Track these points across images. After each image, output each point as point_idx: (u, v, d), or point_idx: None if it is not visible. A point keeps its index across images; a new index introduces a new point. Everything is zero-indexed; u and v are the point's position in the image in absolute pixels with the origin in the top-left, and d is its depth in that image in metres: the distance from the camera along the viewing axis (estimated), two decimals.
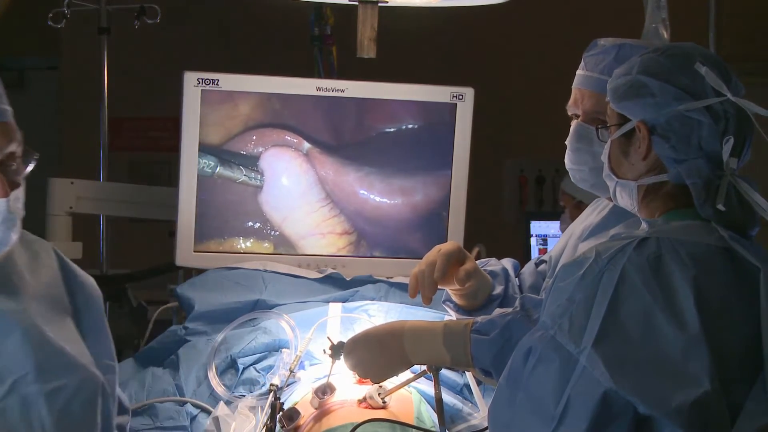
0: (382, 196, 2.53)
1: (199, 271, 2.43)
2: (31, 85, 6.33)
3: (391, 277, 2.41)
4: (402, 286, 2.31)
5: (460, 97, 2.49)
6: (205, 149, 2.41)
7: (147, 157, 5.74)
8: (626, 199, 1.61)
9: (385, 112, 2.50)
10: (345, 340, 1.88)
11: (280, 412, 1.84)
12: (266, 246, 2.49)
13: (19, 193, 1.59)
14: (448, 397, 1.94)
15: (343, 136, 2.50)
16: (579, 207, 3.71)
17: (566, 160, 2.00)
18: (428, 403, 1.92)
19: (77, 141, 5.50)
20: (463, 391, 2.02)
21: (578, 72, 1.98)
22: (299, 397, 1.95)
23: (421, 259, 2.06)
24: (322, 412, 1.84)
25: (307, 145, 2.48)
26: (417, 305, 2.16)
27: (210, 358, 2.09)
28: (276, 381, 1.95)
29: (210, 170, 2.43)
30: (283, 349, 2.08)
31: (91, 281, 1.77)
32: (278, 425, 1.83)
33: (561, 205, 4.01)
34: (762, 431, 1.33)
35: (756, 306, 1.40)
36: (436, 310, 2.16)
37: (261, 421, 1.87)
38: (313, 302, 2.24)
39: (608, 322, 1.37)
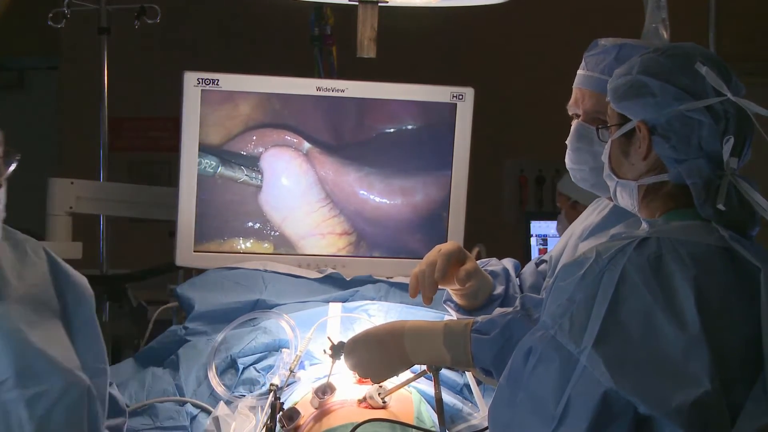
0: (382, 196, 2.53)
1: (199, 271, 2.43)
2: (31, 85, 6.33)
3: (391, 277, 2.41)
4: (402, 286, 2.31)
5: (460, 97, 2.49)
6: (205, 149, 2.41)
7: (147, 157, 5.74)
8: (626, 199, 1.61)
9: (385, 112, 2.50)
10: (345, 340, 1.88)
11: (280, 412, 1.84)
12: (266, 246, 2.49)
13: (0, 195, 1.57)
14: (448, 397, 1.94)
15: (343, 136, 2.50)
16: (575, 207, 3.72)
17: (567, 160, 2.00)
18: (428, 403, 1.92)
19: (77, 141, 5.50)
20: (463, 391, 2.02)
21: (579, 72, 1.98)
22: (299, 397, 1.95)
23: (421, 259, 2.06)
24: (322, 412, 1.84)
25: (307, 145, 2.48)
26: (417, 305, 2.16)
27: (210, 358, 2.09)
28: (276, 381, 1.95)
29: (212, 170, 2.43)
30: (283, 349, 2.08)
31: (83, 282, 1.74)
32: (278, 425, 1.83)
33: (557, 205, 4.01)
34: (762, 431, 1.33)
35: (756, 306, 1.40)
36: (437, 310, 2.16)
37: (261, 421, 1.87)
38: (313, 302, 2.24)
39: (609, 322, 1.37)
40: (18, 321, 1.56)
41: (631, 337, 1.36)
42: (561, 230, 3.96)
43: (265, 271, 2.35)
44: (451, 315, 2.13)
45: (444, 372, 1.95)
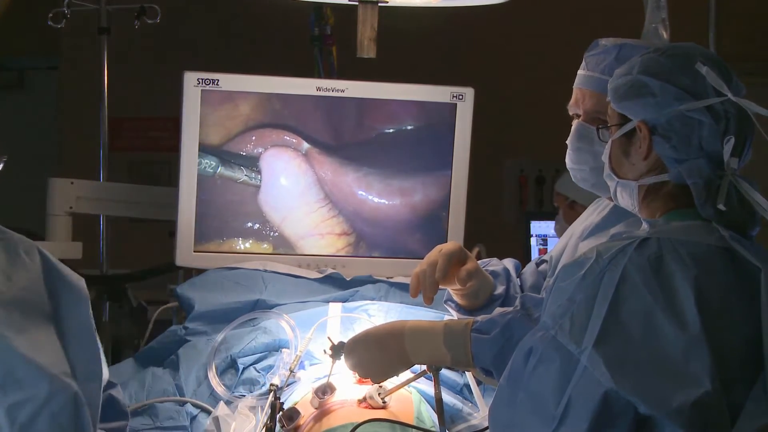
0: (381, 196, 2.53)
1: (199, 271, 2.43)
2: (31, 85, 6.33)
3: (391, 277, 2.41)
4: (402, 286, 2.31)
5: (460, 97, 2.49)
6: (205, 149, 2.41)
7: (147, 157, 5.74)
8: (627, 199, 1.61)
9: (385, 112, 2.50)
10: (345, 340, 1.88)
11: (280, 412, 1.84)
12: (265, 246, 2.49)
13: None
14: (448, 397, 1.94)
15: (342, 137, 2.50)
16: (572, 207, 3.72)
17: (567, 160, 2.00)
18: (428, 403, 1.92)
19: (77, 141, 5.50)
20: (463, 391, 2.02)
21: (579, 72, 1.98)
22: (299, 397, 1.95)
23: (422, 259, 2.06)
24: (322, 412, 1.84)
25: (306, 145, 2.48)
26: (417, 305, 2.16)
27: (210, 358, 2.09)
28: (276, 381, 1.95)
29: (212, 170, 2.43)
30: (283, 349, 2.08)
31: (79, 283, 1.71)
32: (278, 425, 1.83)
33: (555, 205, 4.01)
34: (762, 431, 1.34)
35: (756, 306, 1.40)
36: (436, 310, 2.16)
37: (261, 421, 1.87)
38: (313, 302, 2.24)
39: (609, 322, 1.37)
40: (1, 327, 1.53)
41: (631, 338, 1.36)
42: (559, 230, 3.97)
43: (265, 271, 2.35)
44: (452, 315, 2.13)
45: (444, 372, 1.95)
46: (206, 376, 2.06)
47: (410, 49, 4.98)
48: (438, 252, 2.03)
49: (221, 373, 2.06)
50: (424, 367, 1.86)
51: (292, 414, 1.83)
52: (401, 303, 2.22)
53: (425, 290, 2.01)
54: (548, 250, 2.40)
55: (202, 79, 2.37)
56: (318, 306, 2.21)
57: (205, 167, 2.42)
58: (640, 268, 1.41)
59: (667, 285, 1.39)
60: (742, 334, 1.40)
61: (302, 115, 2.47)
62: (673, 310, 1.37)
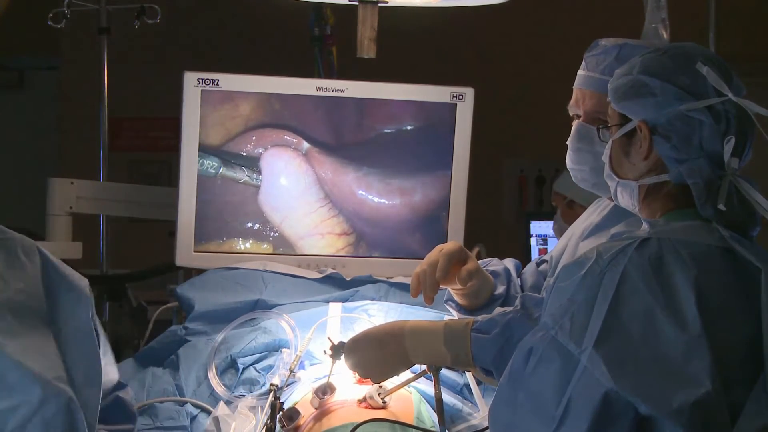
0: (381, 196, 2.53)
1: (199, 271, 2.43)
2: (31, 85, 6.33)
3: (391, 277, 2.41)
4: (402, 286, 2.31)
5: (460, 97, 2.49)
6: (205, 150, 2.41)
7: (147, 157, 5.74)
8: (627, 199, 1.61)
9: (385, 112, 2.50)
10: (345, 340, 1.88)
11: (280, 412, 1.84)
12: (265, 247, 2.49)
13: None
14: (448, 397, 1.94)
15: (342, 136, 2.50)
16: (571, 206, 3.72)
17: (567, 160, 2.00)
18: (428, 403, 1.92)
19: (77, 141, 5.50)
20: (463, 391, 2.02)
21: (579, 72, 1.98)
22: (299, 397, 1.95)
23: (422, 259, 2.07)
24: (322, 412, 1.84)
25: (306, 145, 2.48)
26: (417, 305, 2.16)
27: (210, 358, 2.09)
28: (276, 381, 1.95)
29: (213, 171, 2.43)
30: (283, 349, 2.08)
31: (81, 284, 1.68)
32: (278, 425, 1.83)
33: (553, 204, 4.01)
34: (763, 431, 1.34)
35: (756, 306, 1.40)
36: (436, 310, 2.16)
37: (261, 421, 1.87)
38: (313, 302, 2.24)
39: (609, 322, 1.37)
40: None
41: (631, 338, 1.36)
42: (557, 230, 3.97)
43: (265, 271, 2.35)
44: (452, 315, 2.13)
45: (444, 372, 1.95)
46: (206, 376, 2.06)
47: (410, 49, 4.98)
48: (439, 252, 2.04)
49: (221, 373, 2.06)
50: (424, 367, 1.86)
51: (292, 414, 1.83)
52: (401, 303, 2.22)
53: (426, 290, 2.02)
54: (548, 250, 2.40)
55: (202, 79, 2.37)
56: (318, 306, 2.21)
57: (207, 168, 2.42)
58: (641, 269, 1.41)
59: (668, 285, 1.39)
60: (743, 334, 1.39)
61: (302, 115, 2.47)
62: (673, 310, 1.37)
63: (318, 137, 2.48)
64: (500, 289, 2.12)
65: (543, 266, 2.20)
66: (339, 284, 2.35)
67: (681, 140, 1.50)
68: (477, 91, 2.50)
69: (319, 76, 3.60)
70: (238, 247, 2.48)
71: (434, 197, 2.54)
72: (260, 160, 2.46)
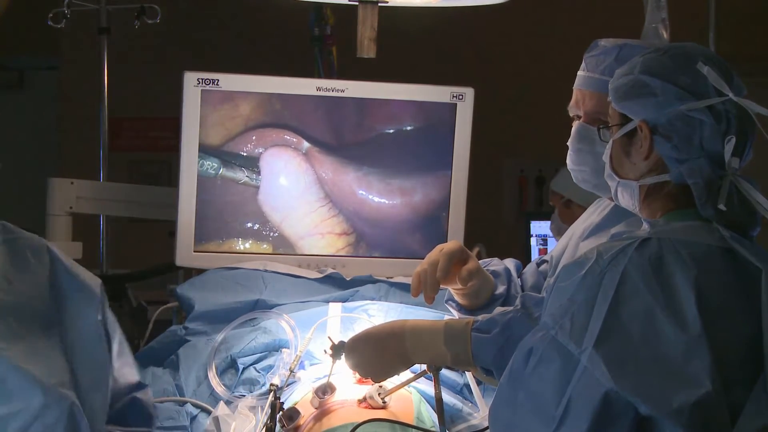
0: (381, 196, 2.53)
1: (199, 271, 2.43)
2: (31, 85, 6.33)
3: (391, 277, 2.41)
4: (402, 286, 2.31)
5: (460, 97, 2.49)
6: (205, 150, 2.41)
7: (147, 157, 5.75)
8: (628, 200, 1.61)
9: (385, 112, 2.50)
10: (345, 339, 1.88)
11: (280, 412, 1.84)
12: (265, 247, 2.49)
13: None
14: (448, 397, 1.94)
15: (342, 136, 2.50)
16: (568, 206, 3.72)
17: (568, 161, 2.00)
18: (428, 403, 1.92)
19: (77, 141, 5.50)
20: (463, 391, 2.02)
21: (579, 73, 1.98)
22: (299, 396, 1.95)
23: (422, 259, 2.07)
24: (322, 412, 1.84)
25: (306, 144, 2.48)
26: (417, 305, 2.16)
27: (210, 358, 2.09)
28: (276, 381, 1.95)
29: (213, 171, 2.43)
30: (283, 349, 2.08)
31: (92, 284, 1.67)
32: (278, 425, 1.83)
33: (550, 204, 4.01)
34: (763, 431, 1.33)
35: (757, 306, 1.40)
36: (436, 310, 2.16)
37: (261, 421, 1.87)
38: (313, 302, 2.24)
39: (609, 322, 1.37)
40: None
41: (631, 338, 1.36)
42: (555, 229, 3.97)
43: (265, 271, 2.35)
44: (452, 314, 2.13)
45: (444, 372, 1.95)
46: (206, 376, 2.06)
47: (410, 49, 4.98)
48: (439, 252, 2.04)
49: (221, 373, 2.06)
50: (424, 367, 1.86)
51: (292, 414, 1.83)
52: (401, 303, 2.22)
53: (426, 290, 2.02)
54: (548, 250, 2.40)
55: (202, 79, 2.37)
56: (318, 306, 2.21)
57: (207, 168, 2.42)
58: (641, 269, 1.40)
59: (668, 285, 1.39)
60: (743, 334, 1.39)
61: (302, 115, 2.47)
62: (673, 310, 1.37)
63: (318, 137, 2.48)
64: (501, 289, 2.12)
65: (543, 266, 2.20)
66: (339, 284, 2.35)
67: (682, 140, 1.50)
68: (477, 91, 2.50)
69: (319, 76, 3.60)
70: (238, 247, 2.48)
71: (434, 197, 2.54)
72: (260, 160, 2.46)
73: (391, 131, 2.52)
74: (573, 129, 1.98)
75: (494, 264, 2.20)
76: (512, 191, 5.78)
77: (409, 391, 1.93)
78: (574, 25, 4.98)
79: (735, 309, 1.41)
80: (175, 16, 4.05)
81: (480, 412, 1.94)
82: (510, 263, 2.22)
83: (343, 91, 2.46)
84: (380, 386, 1.87)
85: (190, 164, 2.40)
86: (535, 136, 5.12)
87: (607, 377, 1.32)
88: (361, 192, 2.52)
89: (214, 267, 2.39)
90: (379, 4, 2.38)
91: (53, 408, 1.48)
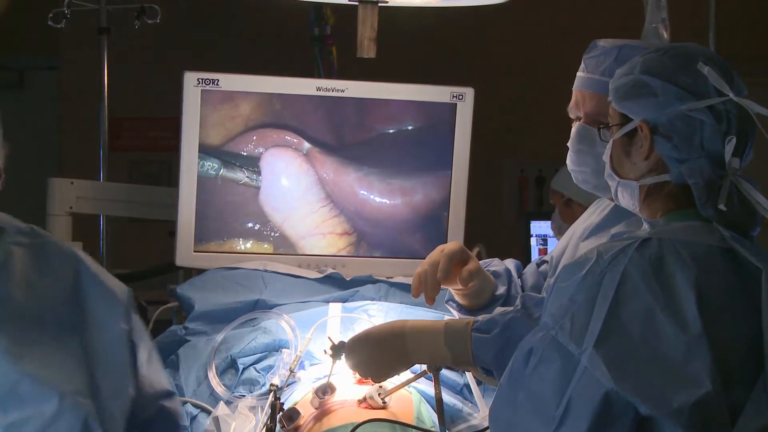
0: (382, 196, 2.53)
1: (199, 271, 2.43)
2: (31, 85, 6.33)
3: (391, 277, 2.41)
4: (402, 286, 2.31)
5: (460, 97, 2.49)
6: (205, 150, 2.41)
7: (147, 157, 5.74)
8: (628, 200, 1.61)
9: (385, 112, 2.50)
10: (345, 340, 1.88)
11: (280, 412, 1.84)
12: (266, 247, 2.49)
13: None
14: (448, 397, 1.94)
15: (343, 137, 2.50)
16: (568, 204, 3.72)
17: (568, 162, 2.00)
18: (428, 403, 1.92)
19: (77, 141, 5.50)
20: (463, 391, 2.02)
21: (578, 74, 1.98)
22: (299, 397, 1.95)
23: (421, 259, 2.07)
24: (322, 412, 1.84)
25: (307, 145, 2.48)
26: (417, 305, 2.16)
27: (210, 358, 2.09)
28: (276, 381, 1.95)
29: (214, 172, 2.43)
30: (283, 349, 2.08)
31: (118, 292, 1.64)
32: (278, 425, 1.83)
33: (551, 202, 4.01)
34: (763, 431, 1.34)
35: (757, 306, 1.40)
36: (436, 310, 2.16)
37: (261, 421, 1.87)
38: (313, 302, 2.24)
39: (610, 322, 1.37)
40: (8, 343, 1.47)
41: (632, 338, 1.36)
42: (555, 228, 3.97)
43: (265, 271, 2.35)
44: (452, 315, 2.13)
45: (444, 372, 1.95)
46: (206, 376, 2.06)
47: (410, 49, 4.98)
48: (440, 252, 2.04)
49: (221, 373, 2.06)
50: (424, 367, 1.86)
51: (292, 414, 1.83)
52: (401, 303, 2.22)
53: (427, 290, 2.02)
54: (548, 250, 2.40)
55: (202, 79, 2.37)
56: (318, 306, 2.21)
57: (207, 169, 2.42)
58: (641, 269, 1.40)
59: (668, 285, 1.39)
60: (743, 335, 1.39)
61: (302, 115, 2.47)
62: (673, 310, 1.37)
63: (318, 137, 2.48)
64: (501, 289, 2.12)
65: (543, 267, 2.20)
66: (339, 284, 2.35)
67: (682, 140, 1.50)
68: (477, 91, 2.50)
69: (319, 76, 3.60)
70: (238, 247, 2.48)
71: (435, 197, 2.54)
72: (261, 160, 2.46)
73: (392, 131, 2.52)
74: (573, 130, 1.98)
75: (494, 264, 2.20)
76: (512, 191, 5.77)
77: (409, 391, 1.93)
78: (574, 25, 4.98)
79: (735, 309, 1.41)
80: (175, 16, 4.05)
81: (480, 412, 1.94)
82: (510, 264, 2.22)
83: (343, 91, 2.46)
84: (380, 386, 1.87)
85: (190, 164, 2.40)
86: (535, 136, 5.12)
87: (607, 377, 1.32)
88: (362, 192, 2.52)
89: (214, 267, 2.39)
90: (379, 4, 2.38)
91: (67, 416, 1.47)
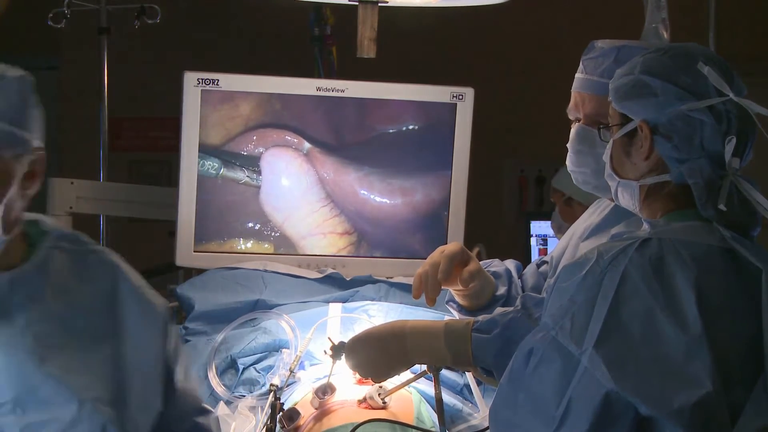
0: (382, 196, 2.53)
1: (199, 271, 2.43)
2: None
3: (391, 278, 2.41)
4: (402, 287, 2.31)
5: (460, 97, 2.49)
6: (205, 150, 2.41)
7: (147, 157, 5.74)
8: (628, 200, 1.61)
9: (385, 112, 2.50)
10: (345, 340, 1.88)
11: (280, 412, 1.84)
12: (266, 247, 2.49)
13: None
14: (448, 397, 1.94)
15: (343, 136, 2.50)
16: (569, 204, 3.71)
17: (568, 163, 1.99)
18: (428, 403, 1.92)
19: (77, 141, 5.50)
20: (463, 391, 2.02)
21: (577, 75, 1.97)
22: (299, 397, 1.95)
23: (422, 259, 2.07)
24: (322, 413, 1.84)
25: (307, 145, 2.48)
26: (417, 305, 2.16)
27: (210, 358, 2.09)
28: (276, 381, 1.95)
29: (214, 171, 2.43)
30: (283, 349, 2.08)
31: (157, 307, 1.63)
32: (278, 425, 1.83)
33: (551, 200, 4.01)
34: (763, 431, 1.34)
35: (757, 306, 1.40)
36: (436, 311, 2.16)
37: (261, 421, 1.87)
38: (313, 302, 2.24)
39: (610, 323, 1.37)
40: (34, 344, 1.47)
41: (632, 338, 1.36)
42: (555, 227, 3.96)
43: (265, 271, 2.35)
44: (453, 315, 2.13)
45: (444, 372, 1.95)
46: (206, 376, 2.06)
47: (410, 49, 4.98)
48: (440, 253, 2.04)
49: (221, 373, 2.06)
50: (424, 367, 1.86)
51: (292, 414, 1.83)
52: (401, 303, 2.22)
53: (428, 291, 2.02)
54: (548, 250, 2.40)
55: (202, 79, 2.37)
56: (318, 306, 2.21)
57: (208, 168, 2.42)
58: (641, 269, 1.40)
59: (668, 285, 1.39)
60: (743, 335, 1.39)
61: (302, 115, 2.47)
62: (673, 310, 1.36)
63: (318, 137, 2.48)
64: (501, 290, 2.12)
65: (543, 267, 2.20)
66: (339, 284, 2.35)
67: (682, 140, 1.50)
68: (477, 91, 2.50)
69: (319, 76, 3.60)
70: (239, 247, 2.48)
71: (435, 197, 2.54)
72: (261, 160, 2.46)
73: (392, 131, 2.52)
74: (572, 131, 1.98)
75: (495, 265, 2.20)
76: (512, 191, 5.77)
77: (409, 392, 1.93)
78: (574, 25, 4.98)
79: (735, 309, 1.41)
80: (175, 16, 4.05)
81: (480, 413, 1.94)
82: (510, 264, 2.22)
83: (343, 91, 2.46)
84: (380, 386, 1.87)
85: (190, 164, 2.40)
86: (535, 136, 5.12)
87: (607, 378, 1.32)
88: (362, 192, 2.52)
89: (214, 267, 2.39)
90: (379, 4, 2.39)
91: (85, 423, 1.47)
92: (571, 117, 2.00)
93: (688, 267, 1.40)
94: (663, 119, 1.51)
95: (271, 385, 1.94)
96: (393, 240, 2.54)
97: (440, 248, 2.06)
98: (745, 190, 1.48)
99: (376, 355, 1.82)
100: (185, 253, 2.45)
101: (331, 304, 2.21)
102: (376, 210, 2.53)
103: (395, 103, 2.50)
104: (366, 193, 2.52)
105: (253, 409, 1.95)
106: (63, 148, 5.77)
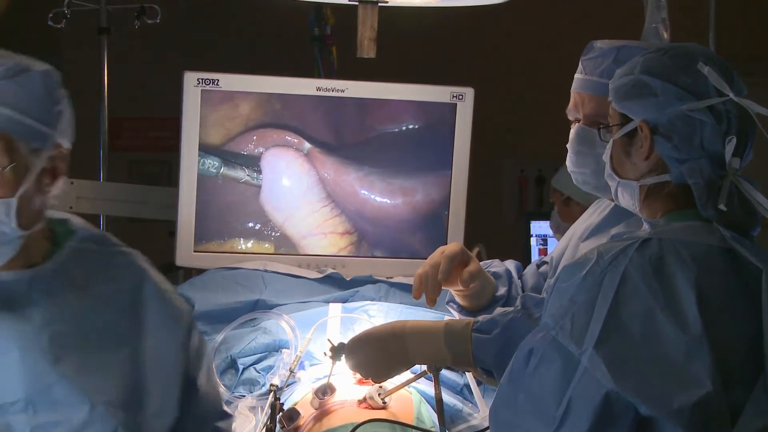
0: (382, 196, 2.53)
1: (199, 271, 2.43)
2: None
3: (392, 278, 2.41)
4: (402, 287, 2.31)
5: (460, 97, 2.49)
6: (206, 149, 2.41)
7: (147, 157, 5.74)
8: (628, 200, 1.61)
9: (385, 112, 2.50)
10: (345, 340, 1.88)
11: (280, 413, 1.84)
12: (267, 247, 2.49)
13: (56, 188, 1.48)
14: (448, 397, 1.94)
15: (343, 136, 2.50)
16: (568, 203, 3.71)
17: (568, 163, 1.99)
18: (428, 403, 1.92)
19: (77, 141, 5.47)
20: (463, 391, 2.02)
21: (576, 76, 1.97)
22: (299, 397, 1.95)
23: (422, 259, 2.07)
24: (322, 413, 1.84)
25: (307, 145, 2.48)
26: (417, 305, 2.16)
27: (210, 358, 2.08)
28: (276, 381, 1.95)
29: (214, 170, 2.43)
30: (283, 350, 2.08)
31: (180, 312, 1.63)
32: (278, 425, 1.83)
33: (551, 200, 4.01)
34: (763, 431, 1.34)
35: (757, 306, 1.40)
36: (436, 311, 2.16)
37: (261, 421, 1.87)
38: (313, 302, 2.24)
39: (610, 323, 1.37)
40: (50, 344, 1.46)
41: (632, 338, 1.36)
42: (554, 226, 3.97)
43: (266, 271, 2.35)
44: (453, 315, 2.13)
45: (444, 372, 1.95)
46: None
47: (410, 49, 4.97)
48: (440, 254, 2.03)
49: (221, 373, 2.06)
50: (424, 367, 1.86)
51: (292, 414, 1.83)
52: (401, 303, 2.22)
53: (428, 292, 2.01)
54: (548, 251, 2.40)
55: (202, 79, 2.37)
56: (318, 306, 2.21)
57: (208, 168, 2.42)
58: (641, 269, 1.40)
59: (668, 286, 1.39)
60: (743, 335, 1.39)
61: (303, 115, 2.47)
62: (674, 310, 1.36)
63: (319, 137, 2.48)
64: (502, 290, 2.12)
65: (543, 267, 2.20)
66: (339, 284, 2.35)
67: (682, 140, 1.50)
68: (477, 91, 2.49)
69: (319, 76, 3.60)
70: (239, 247, 2.48)
71: (435, 197, 2.54)
72: (261, 160, 2.46)
73: (392, 131, 2.52)
74: (572, 131, 1.97)
75: (495, 265, 2.20)
76: (512, 191, 5.77)
77: (409, 392, 1.93)
78: (574, 25, 4.97)
79: (735, 309, 1.41)
80: (175, 16, 4.05)
81: (480, 413, 1.94)
82: (510, 264, 2.22)
83: (343, 91, 2.46)
84: (380, 386, 1.87)
85: (190, 164, 2.40)
86: (535, 136, 5.11)
87: (607, 378, 1.32)
88: (362, 192, 2.52)
89: (214, 267, 2.39)
90: (379, 4, 2.38)
91: (96, 425, 1.46)
92: (570, 117, 1.99)
93: (689, 267, 1.40)
94: (663, 119, 1.51)
95: (271, 385, 1.94)
96: (393, 240, 2.54)
97: (440, 249, 2.06)
98: (746, 190, 1.48)
99: (376, 355, 1.82)
100: (185, 253, 2.45)
101: (331, 304, 2.21)
102: (377, 210, 2.53)
103: (395, 103, 2.50)
104: (366, 193, 2.52)
105: (253, 409, 1.95)
106: None
